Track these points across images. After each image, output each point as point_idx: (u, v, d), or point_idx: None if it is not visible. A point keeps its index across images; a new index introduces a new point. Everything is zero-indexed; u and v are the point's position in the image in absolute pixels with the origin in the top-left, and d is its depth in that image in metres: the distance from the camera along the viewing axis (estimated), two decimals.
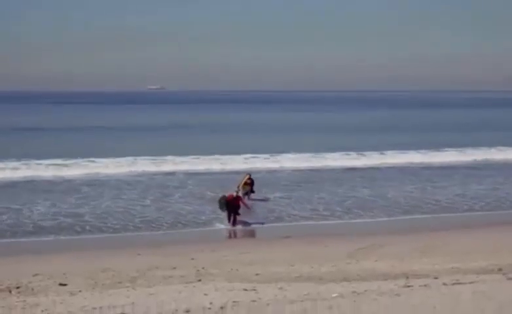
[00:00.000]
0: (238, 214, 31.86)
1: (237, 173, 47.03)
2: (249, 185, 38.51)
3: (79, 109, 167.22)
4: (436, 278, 19.90)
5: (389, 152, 61.43)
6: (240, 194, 34.38)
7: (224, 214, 31.98)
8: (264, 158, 56.81)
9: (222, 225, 31.52)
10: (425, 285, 18.65)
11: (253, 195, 38.33)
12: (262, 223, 32.38)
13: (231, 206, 31.76)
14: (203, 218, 32.89)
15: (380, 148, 63.85)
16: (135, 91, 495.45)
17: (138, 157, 54.35)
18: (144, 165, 51.84)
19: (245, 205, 33.40)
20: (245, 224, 32.01)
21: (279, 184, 43.92)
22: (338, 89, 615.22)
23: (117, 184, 43.43)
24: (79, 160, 52.05)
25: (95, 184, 43.60)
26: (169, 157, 54.95)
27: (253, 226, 32.02)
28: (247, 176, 39.03)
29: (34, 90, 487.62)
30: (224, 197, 32.18)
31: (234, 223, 31.57)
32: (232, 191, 33.05)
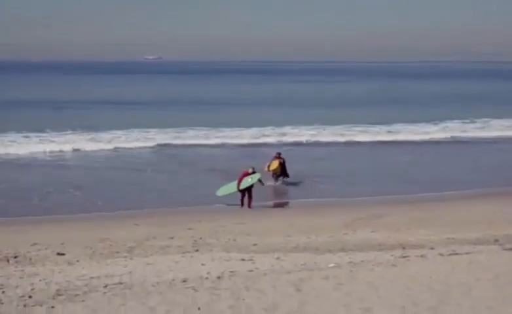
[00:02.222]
0: (250, 192, 29.17)
1: (236, 145, 47.26)
2: (280, 166, 34.24)
3: (77, 80, 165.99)
4: (432, 248, 20.01)
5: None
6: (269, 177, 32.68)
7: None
8: (272, 130, 56.40)
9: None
10: (421, 256, 18.75)
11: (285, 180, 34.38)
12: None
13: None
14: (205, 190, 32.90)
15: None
16: (132, 62, 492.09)
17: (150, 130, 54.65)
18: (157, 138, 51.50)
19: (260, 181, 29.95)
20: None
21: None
22: (332, 61, 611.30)
23: (121, 158, 43.48)
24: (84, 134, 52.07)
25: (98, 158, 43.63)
26: (171, 129, 55.03)
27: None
28: (278, 156, 34.61)
29: (32, 60, 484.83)
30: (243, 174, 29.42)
31: (250, 204, 29.02)
32: (246, 168, 30.03)
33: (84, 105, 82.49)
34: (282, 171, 34.13)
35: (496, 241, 21.19)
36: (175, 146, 48.68)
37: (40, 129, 52.43)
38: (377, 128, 59.23)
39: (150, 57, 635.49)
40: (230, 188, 29.73)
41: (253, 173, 29.44)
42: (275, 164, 34.00)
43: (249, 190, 29.05)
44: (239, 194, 29.11)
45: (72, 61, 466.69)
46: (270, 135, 54.17)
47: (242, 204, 28.95)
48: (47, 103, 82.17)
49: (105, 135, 51.37)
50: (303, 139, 53.25)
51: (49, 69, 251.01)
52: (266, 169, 33.74)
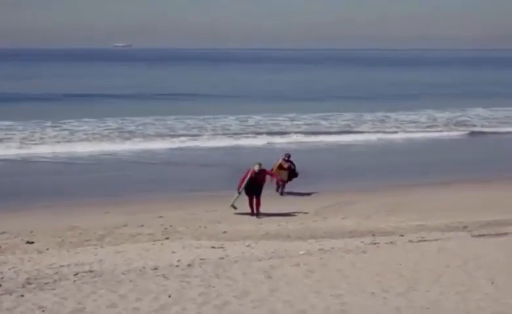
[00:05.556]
0: (259, 195, 24.68)
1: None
2: (287, 170, 28.21)
3: (37, 69, 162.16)
4: (402, 235, 20.19)
5: None
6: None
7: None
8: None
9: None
10: (391, 242, 18.92)
11: (293, 186, 28.58)
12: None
13: (254, 185, 24.62)
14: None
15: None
16: (100, 49, 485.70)
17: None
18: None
19: (271, 175, 26.20)
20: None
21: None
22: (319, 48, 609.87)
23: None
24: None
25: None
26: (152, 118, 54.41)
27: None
28: (287, 159, 28.47)
29: None
30: (252, 178, 24.43)
31: (258, 209, 24.67)
32: (249, 166, 25.03)
33: (49, 96, 78.46)
34: (290, 177, 28.23)
35: (465, 227, 21.41)
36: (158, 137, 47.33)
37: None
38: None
39: (120, 45, 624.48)
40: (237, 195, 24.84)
41: (260, 170, 24.56)
42: (281, 173, 28.10)
43: (257, 194, 24.64)
44: (247, 199, 24.70)
45: (29, 48, 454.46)
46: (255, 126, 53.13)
47: (252, 210, 24.63)
48: (5, 95, 76.25)
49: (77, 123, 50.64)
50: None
51: (6, 57, 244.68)
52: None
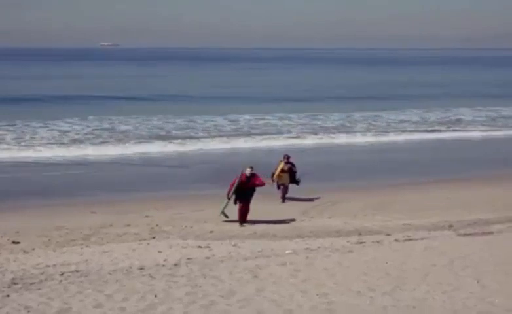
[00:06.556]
0: (249, 202, 23.17)
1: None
2: (287, 172, 26.79)
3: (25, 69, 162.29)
4: (388, 234, 20.23)
5: None
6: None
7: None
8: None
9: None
10: (377, 241, 18.96)
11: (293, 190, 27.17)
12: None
13: (243, 191, 23.10)
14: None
15: None
16: (86, 48, 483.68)
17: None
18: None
19: (262, 183, 23.61)
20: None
21: None
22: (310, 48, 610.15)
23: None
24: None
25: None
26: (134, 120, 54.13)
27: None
28: (286, 160, 27.03)
29: None
30: (243, 182, 22.92)
31: (245, 217, 23.11)
32: (239, 168, 23.82)
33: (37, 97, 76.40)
34: (291, 180, 26.92)
35: (451, 226, 21.48)
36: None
37: None
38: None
39: (106, 44, 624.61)
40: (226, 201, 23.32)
41: (252, 174, 23.09)
42: (282, 176, 26.82)
43: (247, 200, 23.13)
44: (237, 206, 23.15)
45: (14, 48, 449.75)
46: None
47: (240, 217, 23.05)
48: None
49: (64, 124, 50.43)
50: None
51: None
52: (273, 178, 26.48)
